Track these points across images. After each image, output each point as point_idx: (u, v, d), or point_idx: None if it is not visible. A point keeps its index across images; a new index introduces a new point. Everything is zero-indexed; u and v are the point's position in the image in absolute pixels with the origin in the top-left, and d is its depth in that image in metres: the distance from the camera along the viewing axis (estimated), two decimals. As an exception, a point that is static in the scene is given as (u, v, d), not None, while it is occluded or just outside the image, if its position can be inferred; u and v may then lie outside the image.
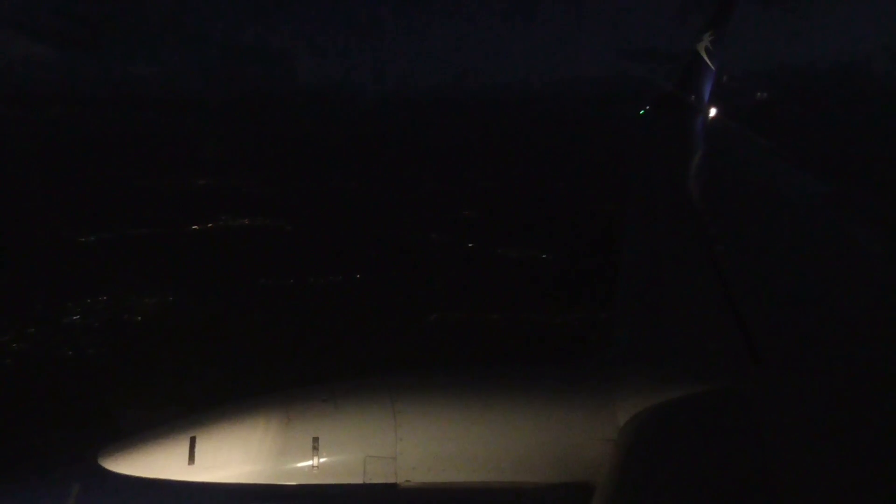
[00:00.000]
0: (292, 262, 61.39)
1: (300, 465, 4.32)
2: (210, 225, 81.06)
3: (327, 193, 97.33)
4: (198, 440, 4.36)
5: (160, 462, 4.30)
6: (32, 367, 38.50)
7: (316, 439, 4.36)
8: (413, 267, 58.40)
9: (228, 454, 4.32)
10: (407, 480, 4.35)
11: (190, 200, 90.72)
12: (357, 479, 4.32)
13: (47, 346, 41.02)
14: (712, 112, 21.27)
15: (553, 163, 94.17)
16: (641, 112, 23.28)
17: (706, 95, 21.65)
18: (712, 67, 21.29)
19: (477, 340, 41.33)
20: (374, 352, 39.70)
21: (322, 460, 4.33)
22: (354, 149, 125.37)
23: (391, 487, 4.32)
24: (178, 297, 50.27)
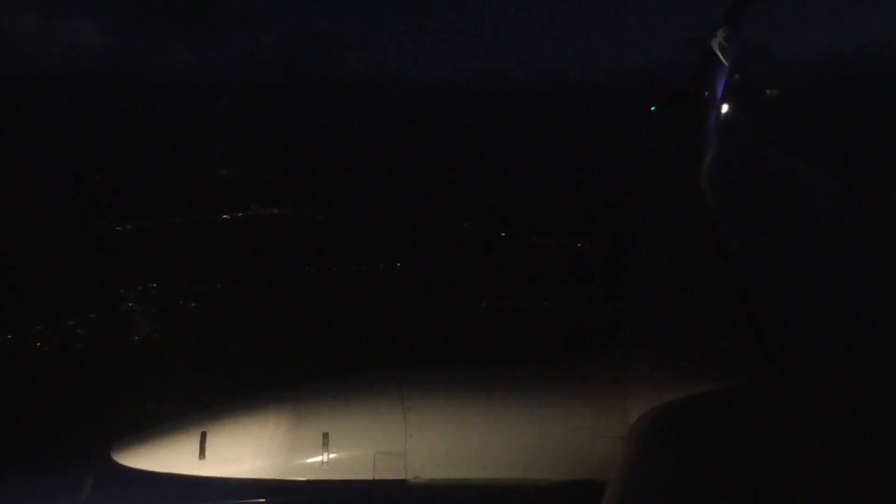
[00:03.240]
0: (328, 250, 62.10)
1: (310, 460, 4.36)
2: (240, 214, 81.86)
3: (352, 183, 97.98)
4: (209, 435, 4.42)
5: (172, 456, 4.37)
6: (102, 350, 39.24)
7: (326, 435, 4.39)
8: (452, 255, 59.04)
9: (239, 449, 4.38)
10: (416, 476, 4.40)
11: (215, 190, 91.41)
12: (367, 475, 4.37)
13: (112, 331, 41.78)
14: (725, 108, 21.30)
15: (586, 151, 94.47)
16: (653, 108, 23.31)
17: (719, 92, 21.59)
18: (726, 64, 21.36)
19: (529, 328, 41.96)
20: (427, 338, 40.49)
21: (332, 456, 4.36)
22: (377, 139, 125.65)
23: (401, 483, 4.37)
24: (227, 285, 50.98)
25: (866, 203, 10.31)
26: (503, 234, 68.32)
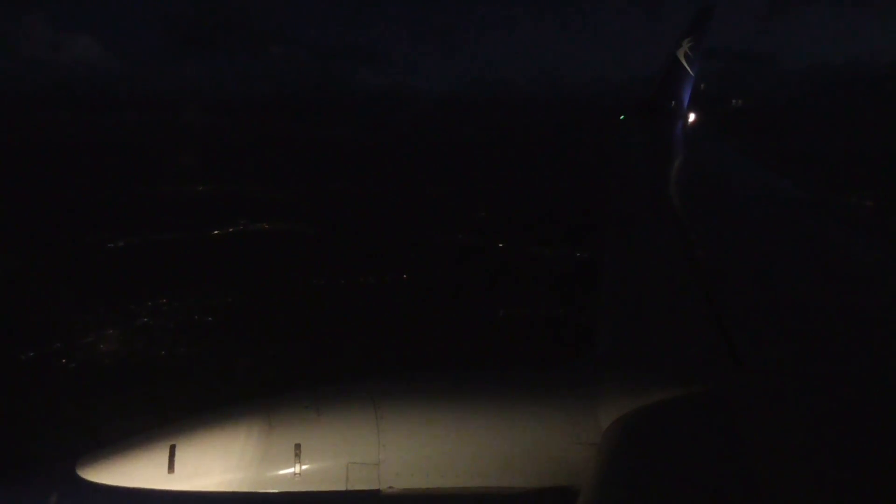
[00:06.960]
0: (325, 263, 62.23)
1: (282, 472, 4.31)
2: (230, 230, 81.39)
3: (334, 198, 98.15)
4: (178, 448, 4.33)
5: (139, 471, 4.27)
6: (128, 366, 38.79)
7: (298, 446, 4.35)
8: (454, 266, 59.70)
9: (209, 462, 4.30)
10: (390, 487, 4.39)
11: (199, 206, 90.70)
12: (340, 486, 4.34)
13: (135, 346, 41.30)
14: (691, 117, 21.81)
15: (577, 161, 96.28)
16: (622, 117, 23.38)
17: (685, 101, 22.19)
18: (691, 73, 21.97)
19: (550, 335, 42.87)
20: (445, 348, 41.14)
21: (304, 467, 4.32)
22: (364, 152, 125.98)
23: (374, 494, 4.36)
24: (238, 299, 50.79)
25: (830, 209, 10.69)
26: (500, 244, 69.28)
